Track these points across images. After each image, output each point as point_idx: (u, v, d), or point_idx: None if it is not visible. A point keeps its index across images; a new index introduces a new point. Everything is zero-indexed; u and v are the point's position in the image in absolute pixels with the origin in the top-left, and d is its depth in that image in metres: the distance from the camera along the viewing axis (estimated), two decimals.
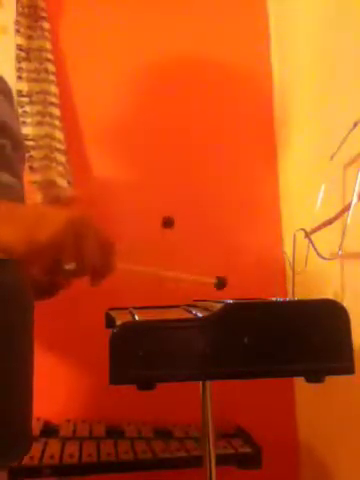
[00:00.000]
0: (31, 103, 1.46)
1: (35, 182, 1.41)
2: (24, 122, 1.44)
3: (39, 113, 1.46)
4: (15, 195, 0.81)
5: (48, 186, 1.44)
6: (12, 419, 0.76)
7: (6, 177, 0.79)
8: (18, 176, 0.84)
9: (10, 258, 0.68)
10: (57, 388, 1.39)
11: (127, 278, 0.75)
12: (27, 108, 1.45)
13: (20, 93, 1.45)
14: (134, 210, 1.51)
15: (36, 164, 1.42)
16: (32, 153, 1.43)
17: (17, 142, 0.86)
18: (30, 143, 1.43)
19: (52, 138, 1.45)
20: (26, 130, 1.43)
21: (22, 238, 0.62)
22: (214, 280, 0.78)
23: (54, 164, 1.44)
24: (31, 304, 0.86)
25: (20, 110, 1.43)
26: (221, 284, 0.78)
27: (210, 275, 0.81)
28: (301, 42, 1.40)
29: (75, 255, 0.63)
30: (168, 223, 1.09)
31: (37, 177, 1.42)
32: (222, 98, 1.60)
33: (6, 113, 0.86)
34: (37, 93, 1.47)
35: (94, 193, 1.48)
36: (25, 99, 1.46)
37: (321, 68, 1.26)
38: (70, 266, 0.64)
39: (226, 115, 1.60)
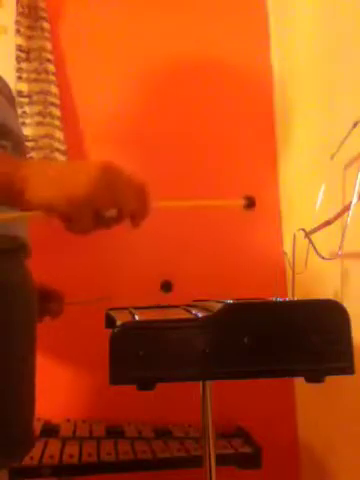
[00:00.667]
0: (31, 103, 1.46)
1: None
2: (24, 123, 1.44)
3: (39, 113, 1.46)
4: None
5: None
6: (15, 418, 0.77)
7: None
8: None
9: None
10: (57, 388, 1.39)
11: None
12: (27, 109, 1.45)
13: (20, 93, 1.45)
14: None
15: None
16: (32, 154, 1.43)
17: (18, 144, 0.86)
18: (30, 144, 1.43)
19: (52, 138, 1.45)
20: (26, 131, 1.43)
21: (61, 195, 0.63)
22: (243, 201, 0.78)
23: None
24: (34, 303, 0.87)
25: (20, 111, 1.43)
26: (251, 204, 0.78)
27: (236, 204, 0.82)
28: (301, 42, 1.40)
29: (113, 202, 0.65)
30: (166, 287, 1.11)
31: None
32: (222, 98, 1.60)
33: (7, 114, 0.86)
34: (37, 93, 1.47)
35: None
36: (25, 99, 1.46)
37: (321, 68, 1.26)
38: (110, 213, 0.66)
39: (226, 115, 1.60)
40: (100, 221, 0.66)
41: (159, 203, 0.74)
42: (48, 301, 1.05)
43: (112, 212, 0.66)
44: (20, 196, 0.63)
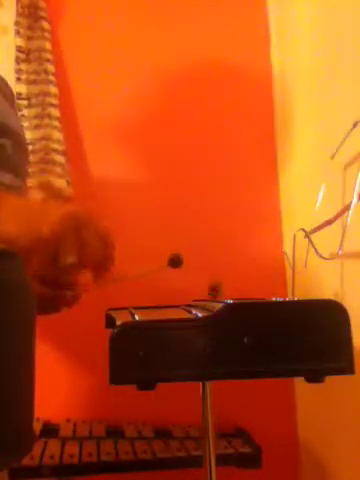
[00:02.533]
0: (29, 106, 1.46)
1: (30, 187, 1.41)
2: (21, 126, 1.43)
3: (37, 116, 1.45)
4: (20, 196, 0.81)
5: (44, 188, 1.44)
6: (15, 418, 0.76)
7: (8, 177, 0.78)
8: (22, 176, 0.84)
9: (13, 250, 0.68)
10: (57, 388, 1.39)
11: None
12: (25, 111, 1.45)
13: (19, 95, 1.45)
14: (135, 209, 1.51)
15: (32, 168, 1.42)
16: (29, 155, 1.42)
17: (18, 142, 0.85)
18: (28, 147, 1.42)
19: (49, 139, 1.45)
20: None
21: (24, 231, 0.63)
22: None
23: (50, 166, 1.43)
24: (33, 302, 0.87)
25: (18, 114, 1.43)
26: (176, 262, 0.79)
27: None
28: (301, 41, 1.40)
29: (76, 247, 0.64)
30: (176, 262, 1.10)
31: (32, 181, 1.42)
32: (222, 98, 1.60)
33: (6, 113, 0.86)
34: (36, 96, 1.46)
35: (93, 192, 1.48)
36: (24, 102, 1.45)
37: (321, 68, 1.26)
38: (71, 259, 0.65)
39: (226, 115, 1.60)
40: (58, 266, 0.64)
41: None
42: (63, 290, 1.03)
43: (72, 258, 0.65)
44: None
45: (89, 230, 0.65)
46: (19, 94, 1.45)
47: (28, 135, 1.44)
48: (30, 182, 1.41)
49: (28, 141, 1.43)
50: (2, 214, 0.64)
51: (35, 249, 0.63)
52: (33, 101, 1.46)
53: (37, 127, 1.45)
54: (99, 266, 0.68)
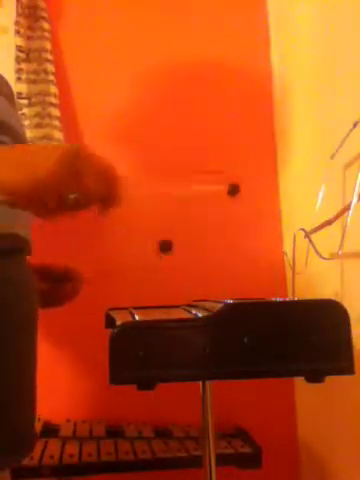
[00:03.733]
0: (30, 105, 1.46)
1: None
2: (22, 125, 1.43)
3: (38, 115, 1.45)
4: None
5: None
6: (17, 417, 0.76)
7: None
8: None
9: (15, 201, 0.66)
10: (57, 388, 1.39)
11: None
12: (25, 110, 1.45)
13: (19, 95, 1.45)
14: (135, 208, 1.51)
15: None
16: None
17: (18, 140, 0.85)
18: None
19: (51, 139, 1.45)
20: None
21: (23, 177, 0.61)
22: (226, 187, 0.78)
23: None
24: (35, 301, 0.87)
25: (19, 113, 1.43)
26: (234, 190, 0.79)
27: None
28: (301, 42, 1.40)
29: (76, 184, 0.63)
30: (166, 247, 1.10)
31: None
32: (222, 97, 1.60)
33: (6, 112, 0.86)
34: (36, 95, 1.46)
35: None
36: (24, 101, 1.45)
37: (321, 68, 1.26)
38: (74, 196, 0.63)
39: (226, 115, 1.60)
40: (64, 205, 0.63)
41: (134, 191, 0.72)
42: (62, 283, 1.02)
43: (77, 196, 0.64)
44: None
45: (88, 165, 0.64)
46: (19, 93, 1.45)
47: (29, 134, 1.44)
48: None
49: (29, 139, 1.43)
50: None
51: (36, 194, 0.61)
52: (33, 100, 1.46)
53: (38, 126, 1.45)
54: (103, 200, 0.66)
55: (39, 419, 1.33)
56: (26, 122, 1.44)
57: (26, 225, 0.87)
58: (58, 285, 1.02)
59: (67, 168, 0.62)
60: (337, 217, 1.07)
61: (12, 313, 0.77)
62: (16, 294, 0.79)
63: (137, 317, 0.81)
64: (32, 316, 0.85)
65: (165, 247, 1.08)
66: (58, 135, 1.46)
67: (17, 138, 0.85)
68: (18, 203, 0.63)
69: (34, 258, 0.90)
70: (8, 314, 0.76)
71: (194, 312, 0.82)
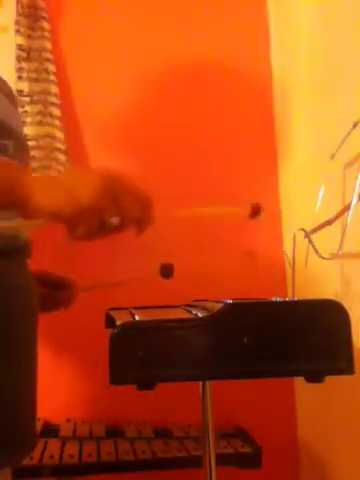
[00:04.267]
0: (32, 103, 1.46)
1: None
2: (24, 122, 1.44)
3: (40, 113, 1.46)
4: None
5: None
6: (18, 417, 0.77)
7: None
8: None
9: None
10: (57, 388, 1.39)
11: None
12: (27, 108, 1.45)
13: (21, 93, 1.45)
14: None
15: (36, 164, 1.42)
16: (33, 153, 1.43)
17: (20, 143, 0.85)
18: (31, 143, 1.42)
19: (53, 138, 1.45)
20: (26, 130, 1.42)
21: (66, 202, 0.65)
22: (248, 210, 0.81)
23: (54, 164, 1.44)
24: (35, 303, 0.87)
25: (20, 110, 1.43)
26: (256, 212, 0.81)
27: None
28: (301, 42, 1.40)
29: (116, 210, 0.67)
30: (167, 273, 1.11)
31: None
32: (222, 98, 1.60)
33: (8, 114, 0.86)
34: (38, 93, 1.47)
35: None
36: (26, 99, 1.46)
37: (321, 68, 1.26)
38: (114, 221, 0.68)
39: (226, 115, 1.60)
40: (104, 229, 0.67)
41: (166, 212, 0.77)
42: (59, 290, 1.04)
43: (116, 220, 0.68)
44: (25, 202, 0.65)
45: (126, 191, 0.68)
46: (21, 91, 1.45)
47: (31, 131, 1.44)
48: None
49: (31, 137, 1.43)
50: (41, 187, 0.66)
51: (77, 218, 0.65)
52: (35, 98, 1.46)
53: (40, 123, 1.45)
54: (139, 222, 0.71)
55: (39, 419, 1.33)
56: (28, 119, 1.44)
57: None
58: (55, 291, 1.03)
59: (106, 194, 0.66)
60: (337, 217, 1.07)
61: (12, 315, 0.77)
62: (15, 296, 0.79)
63: (137, 317, 0.81)
64: (33, 317, 0.85)
65: (167, 272, 1.11)
66: (59, 135, 1.47)
67: (18, 141, 0.85)
68: (60, 225, 0.67)
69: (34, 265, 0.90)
70: (9, 315, 0.76)
71: (194, 312, 0.82)
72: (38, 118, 1.45)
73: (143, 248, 1.49)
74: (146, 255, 1.48)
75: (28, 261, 0.89)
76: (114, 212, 0.67)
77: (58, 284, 1.05)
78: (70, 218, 0.65)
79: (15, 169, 0.72)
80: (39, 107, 1.46)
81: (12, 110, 0.91)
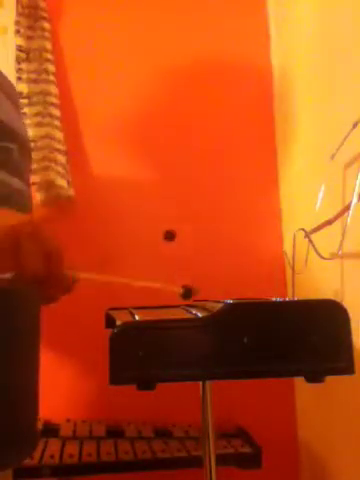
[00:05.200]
0: (30, 104, 1.46)
1: (34, 183, 1.41)
2: (25, 127, 1.43)
3: (39, 114, 1.46)
4: (26, 200, 0.81)
5: (47, 187, 1.44)
6: (19, 417, 0.77)
7: (16, 182, 0.78)
8: (26, 181, 0.84)
9: None
10: (57, 388, 1.39)
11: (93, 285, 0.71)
12: (26, 110, 1.45)
13: (20, 95, 1.45)
14: (134, 208, 1.51)
15: (35, 165, 1.42)
16: (32, 154, 1.42)
17: (24, 147, 0.86)
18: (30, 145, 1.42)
19: (52, 138, 1.45)
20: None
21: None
22: (180, 290, 0.76)
23: (53, 164, 1.44)
24: (38, 304, 0.87)
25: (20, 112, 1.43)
26: (187, 294, 0.77)
27: (176, 286, 0.79)
28: (301, 41, 1.40)
29: (13, 262, 0.60)
30: (170, 236, 1.10)
31: (36, 178, 1.42)
32: (222, 97, 1.60)
33: (12, 116, 0.86)
34: (37, 94, 1.47)
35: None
36: (25, 100, 1.46)
37: (321, 68, 1.26)
38: (7, 275, 0.61)
39: (226, 114, 1.60)
40: None
41: (85, 274, 0.68)
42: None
43: (11, 274, 0.61)
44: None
45: (30, 244, 0.60)
46: (20, 93, 1.45)
47: (30, 132, 1.44)
48: (33, 179, 1.41)
49: (30, 139, 1.43)
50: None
51: None
52: (34, 99, 1.46)
53: (39, 124, 1.45)
54: (44, 282, 0.62)
55: (39, 419, 1.33)
56: (27, 121, 1.44)
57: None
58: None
59: (3, 243, 0.60)
60: (337, 217, 1.07)
61: (15, 312, 0.77)
62: (19, 297, 0.79)
63: (137, 317, 0.81)
64: (35, 315, 0.85)
65: (170, 235, 1.08)
66: (59, 135, 1.47)
67: (22, 144, 0.85)
68: None
69: None
70: (11, 313, 0.76)
71: (194, 312, 0.82)
72: (37, 120, 1.45)
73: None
74: (140, 257, 1.48)
75: None
76: (11, 264, 0.60)
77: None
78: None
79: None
80: (38, 108, 1.46)
81: (16, 114, 0.91)
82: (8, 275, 0.61)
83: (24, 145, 0.86)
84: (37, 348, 0.84)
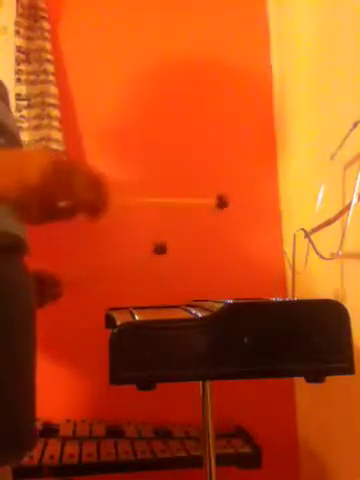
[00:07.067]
0: (29, 107, 1.45)
1: None
2: (21, 127, 1.43)
3: (37, 117, 1.45)
4: None
5: None
6: (15, 415, 0.77)
7: None
8: None
9: (5, 206, 0.66)
10: (57, 388, 1.39)
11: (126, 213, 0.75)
12: (24, 112, 1.44)
13: (19, 96, 1.44)
14: (135, 212, 1.51)
15: None
16: None
17: (12, 140, 0.85)
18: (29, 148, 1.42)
19: (48, 140, 1.45)
20: (23, 136, 1.42)
21: (12, 183, 0.62)
22: (214, 200, 0.78)
23: None
24: (32, 301, 0.87)
25: (18, 114, 1.43)
26: (221, 203, 0.78)
27: None
28: (301, 42, 1.40)
29: (66, 192, 0.64)
30: (161, 250, 1.10)
31: None
32: (222, 98, 1.60)
33: (3, 113, 0.86)
34: (36, 96, 1.46)
35: None
36: (23, 102, 1.45)
37: (321, 68, 1.26)
38: (64, 204, 0.64)
39: (226, 115, 1.60)
40: (53, 212, 0.64)
41: (121, 199, 0.74)
42: (46, 286, 1.05)
43: (65, 204, 0.65)
44: None
45: (77, 172, 0.65)
46: (19, 95, 1.45)
47: (27, 136, 1.44)
48: None
49: (27, 142, 1.43)
50: None
51: (25, 200, 0.62)
52: (33, 101, 1.46)
53: (36, 128, 1.45)
54: (92, 208, 0.67)
55: (39, 419, 1.33)
56: (25, 124, 1.44)
57: (20, 225, 0.87)
58: (44, 288, 1.03)
59: (55, 175, 0.62)
60: (337, 217, 1.07)
61: (10, 312, 0.77)
62: (13, 294, 0.79)
63: (137, 317, 0.81)
64: (29, 315, 0.85)
65: (160, 249, 1.09)
66: (57, 136, 1.46)
67: (12, 139, 0.85)
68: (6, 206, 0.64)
69: (32, 259, 0.90)
70: (5, 313, 0.76)
71: (194, 312, 0.82)
72: (35, 123, 1.45)
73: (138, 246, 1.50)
74: (138, 250, 1.48)
75: (25, 257, 0.89)
76: (63, 195, 0.63)
77: (44, 281, 1.05)
78: (18, 200, 0.62)
79: None
80: (36, 111, 1.45)
81: (6, 109, 0.91)
82: (64, 203, 0.64)
83: (12, 139, 0.86)
84: (32, 343, 0.84)
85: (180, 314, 0.85)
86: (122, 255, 1.48)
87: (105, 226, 1.49)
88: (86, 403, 1.45)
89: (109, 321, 0.98)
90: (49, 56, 1.49)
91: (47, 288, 1.05)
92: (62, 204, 0.64)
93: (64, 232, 1.38)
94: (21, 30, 1.48)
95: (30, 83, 1.47)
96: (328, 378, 0.69)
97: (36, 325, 0.86)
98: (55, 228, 1.50)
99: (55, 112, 1.47)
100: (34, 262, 0.91)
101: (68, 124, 1.51)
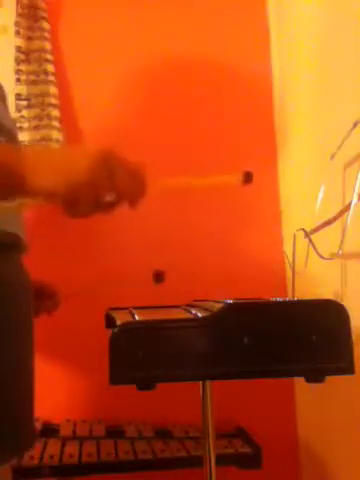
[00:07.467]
0: (29, 107, 1.45)
1: None
2: (21, 127, 1.43)
3: (36, 117, 1.45)
4: None
5: None
6: (14, 414, 0.77)
7: None
8: None
9: (51, 202, 0.69)
10: (57, 388, 1.39)
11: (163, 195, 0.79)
12: (24, 112, 1.44)
13: (19, 96, 1.44)
14: (136, 214, 1.51)
15: None
16: None
17: (11, 139, 0.85)
18: None
19: (48, 140, 1.44)
20: (23, 136, 1.42)
21: (62, 180, 0.64)
22: (240, 177, 0.80)
23: None
24: (30, 300, 0.87)
25: (18, 115, 1.43)
26: (248, 178, 0.80)
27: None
28: (301, 42, 1.40)
29: (112, 186, 0.67)
30: (159, 279, 1.12)
31: None
32: (222, 98, 1.60)
33: (1, 112, 0.86)
34: (36, 96, 1.46)
35: None
36: (23, 102, 1.45)
37: (321, 68, 1.26)
38: (109, 197, 0.68)
39: (226, 115, 1.60)
40: (99, 205, 0.67)
41: (156, 185, 0.78)
42: (42, 298, 1.05)
43: (111, 196, 0.68)
44: (21, 184, 0.64)
45: (119, 167, 0.68)
46: (19, 95, 1.45)
47: (27, 136, 1.44)
48: None
49: (27, 142, 1.43)
50: (36, 168, 0.65)
51: (74, 196, 0.64)
52: (33, 102, 1.46)
53: (36, 128, 1.45)
54: (133, 197, 0.70)
55: (39, 419, 1.33)
56: (25, 124, 1.44)
57: (20, 223, 0.87)
58: (40, 300, 1.04)
59: (101, 169, 0.65)
60: (337, 217, 1.07)
61: (7, 311, 0.77)
62: (11, 291, 0.79)
63: (137, 317, 0.81)
64: (28, 316, 0.85)
65: (159, 277, 1.12)
66: (57, 136, 1.46)
67: (10, 138, 0.85)
68: (57, 204, 0.66)
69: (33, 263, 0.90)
70: (3, 312, 0.76)
71: (194, 312, 0.82)
72: (34, 123, 1.45)
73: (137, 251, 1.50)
74: (139, 260, 1.48)
75: (23, 257, 0.89)
76: (109, 188, 0.66)
77: (41, 292, 1.05)
78: (66, 196, 0.64)
79: (10, 151, 0.70)
80: (36, 111, 1.45)
81: (3, 108, 0.91)
82: (110, 196, 0.68)
83: (11, 138, 0.86)
84: (30, 343, 0.84)
85: (180, 314, 0.85)
86: (121, 266, 1.48)
87: (105, 236, 1.50)
88: (86, 403, 1.45)
89: (109, 321, 0.98)
90: (49, 56, 1.49)
91: (44, 299, 1.05)
92: (108, 198, 0.68)
93: (62, 243, 1.40)
94: (21, 30, 1.48)
95: (30, 83, 1.47)
96: (328, 378, 0.69)
97: (34, 324, 0.86)
98: (54, 239, 1.53)
99: (55, 112, 1.47)
100: (33, 272, 0.92)
101: (68, 124, 1.51)
